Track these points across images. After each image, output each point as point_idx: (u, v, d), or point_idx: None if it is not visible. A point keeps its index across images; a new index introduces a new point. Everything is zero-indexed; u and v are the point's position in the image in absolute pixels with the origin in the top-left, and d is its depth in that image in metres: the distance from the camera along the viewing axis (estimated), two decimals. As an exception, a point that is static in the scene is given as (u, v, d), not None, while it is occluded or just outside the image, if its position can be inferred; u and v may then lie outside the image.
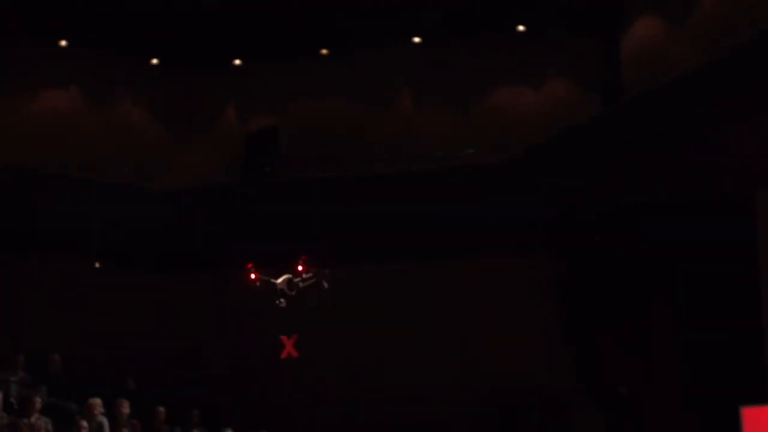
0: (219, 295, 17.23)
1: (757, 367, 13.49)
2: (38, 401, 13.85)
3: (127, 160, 16.96)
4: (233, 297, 16.96)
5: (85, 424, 13.47)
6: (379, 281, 16.66)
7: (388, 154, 15.92)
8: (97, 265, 17.09)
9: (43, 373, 15.43)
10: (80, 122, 17.31)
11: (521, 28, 16.76)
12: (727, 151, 12.89)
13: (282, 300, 11.34)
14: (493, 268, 16.16)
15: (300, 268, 11.47)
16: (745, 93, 12.52)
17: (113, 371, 15.71)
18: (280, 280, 11.39)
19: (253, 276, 11.53)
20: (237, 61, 17.89)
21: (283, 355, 11.55)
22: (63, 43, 17.17)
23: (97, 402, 14.10)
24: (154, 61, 17.89)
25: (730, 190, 13.42)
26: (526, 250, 15.65)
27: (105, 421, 13.99)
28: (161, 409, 14.75)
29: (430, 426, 15.72)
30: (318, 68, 17.59)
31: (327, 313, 16.24)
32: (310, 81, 17.54)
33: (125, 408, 14.32)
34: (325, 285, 11.53)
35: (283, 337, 11.57)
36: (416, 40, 17.18)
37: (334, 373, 16.52)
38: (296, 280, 11.39)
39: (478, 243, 15.77)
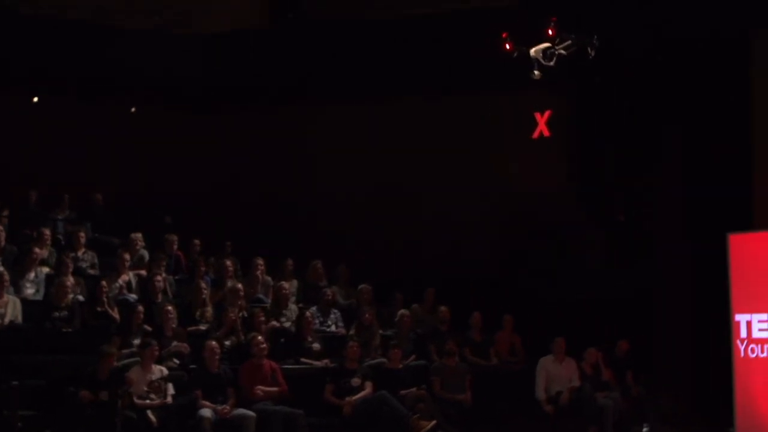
0: (254, 132, 17.21)
1: (745, 198, 13.40)
2: (83, 236, 14.12)
3: (160, 7, 16.64)
4: (267, 133, 17.15)
5: (127, 256, 13.74)
6: (401, 116, 16.54)
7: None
8: (133, 109, 17.05)
9: (87, 211, 15.64)
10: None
11: None
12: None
13: (537, 72, 9.72)
14: (504, 104, 16.01)
15: (550, 32, 9.58)
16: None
17: (152, 208, 15.85)
18: (534, 49, 9.66)
19: (507, 46, 9.78)
20: None
21: (536, 135, 10.50)
22: None
23: (138, 236, 14.35)
24: None
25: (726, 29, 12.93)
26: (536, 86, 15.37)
27: (146, 253, 14.24)
28: (197, 241, 14.96)
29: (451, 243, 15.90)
30: None
31: (358, 142, 16.46)
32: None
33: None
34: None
35: (536, 114, 10.44)
36: None
37: (364, 197, 16.56)
38: (553, 49, 9.65)
39: (485, 80, 15.53)
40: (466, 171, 16.25)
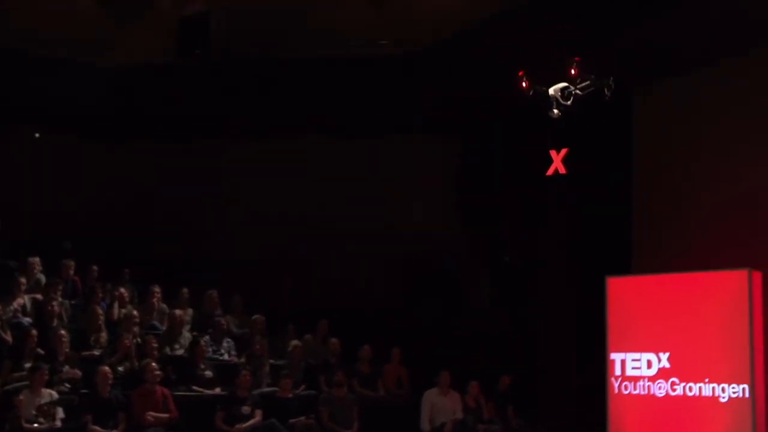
0: (155, 162, 17.26)
1: (624, 244, 13.90)
2: (-21, 259, 13.98)
3: (66, 37, 16.61)
4: (168, 165, 17.20)
5: (23, 280, 13.62)
6: (303, 153, 16.80)
7: (310, 43, 15.74)
8: (36, 135, 16.96)
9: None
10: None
11: None
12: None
13: (555, 111, 9.60)
14: (398, 146, 16.40)
15: (573, 72, 9.47)
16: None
17: (52, 233, 15.74)
18: (553, 88, 9.57)
19: (524, 84, 9.63)
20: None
21: (550, 171, 9.89)
22: None
23: (35, 261, 14.24)
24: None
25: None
26: (428, 129, 15.82)
27: (43, 277, 14.13)
28: (95, 267, 14.90)
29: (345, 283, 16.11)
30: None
31: (258, 176, 16.64)
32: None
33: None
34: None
35: (552, 152, 9.83)
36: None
37: (262, 230, 16.70)
38: (571, 89, 9.62)
39: (385, 123, 15.91)
40: (361, 209, 16.58)
